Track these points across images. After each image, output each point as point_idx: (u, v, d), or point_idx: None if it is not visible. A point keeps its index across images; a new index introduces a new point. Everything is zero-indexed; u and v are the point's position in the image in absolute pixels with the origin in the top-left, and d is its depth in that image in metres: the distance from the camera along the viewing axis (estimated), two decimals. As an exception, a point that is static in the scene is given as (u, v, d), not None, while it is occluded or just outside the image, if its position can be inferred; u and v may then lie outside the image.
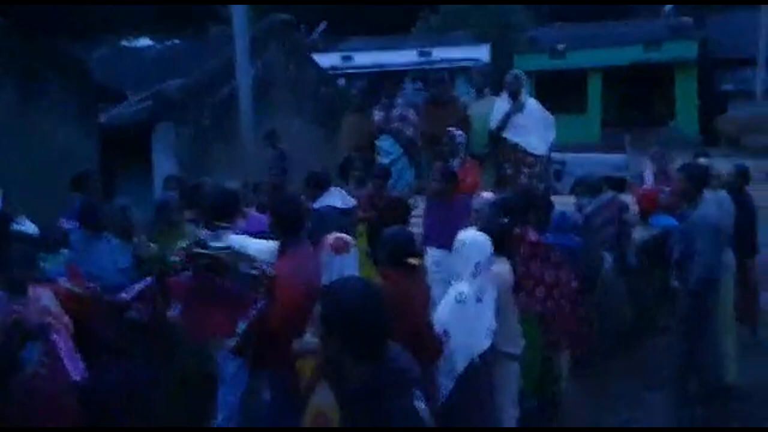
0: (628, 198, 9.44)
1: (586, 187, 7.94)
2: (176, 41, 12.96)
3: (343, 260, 4.49)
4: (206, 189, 6.57)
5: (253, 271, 4.46)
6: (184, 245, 4.95)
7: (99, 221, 5.75)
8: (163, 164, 10.27)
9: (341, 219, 6.48)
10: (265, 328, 4.51)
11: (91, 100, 9.18)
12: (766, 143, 24.78)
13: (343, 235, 4.69)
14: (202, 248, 4.57)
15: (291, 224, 4.64)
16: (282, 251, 4.61)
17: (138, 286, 5.22)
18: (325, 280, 4.44)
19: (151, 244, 5.75)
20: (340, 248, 4.49)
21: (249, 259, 4.52)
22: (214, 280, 4.48)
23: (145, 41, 13.25)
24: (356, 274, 4.48)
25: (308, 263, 4.61)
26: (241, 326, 4.42)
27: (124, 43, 13.28)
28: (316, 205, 6.63)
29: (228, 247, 4.59)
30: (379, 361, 2.66)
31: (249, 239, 4.92)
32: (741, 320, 7.59)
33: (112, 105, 10.49)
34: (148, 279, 5.26)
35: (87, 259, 5.49)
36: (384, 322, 2.69)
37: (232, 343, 4.42)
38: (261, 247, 4.73)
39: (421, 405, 2.68)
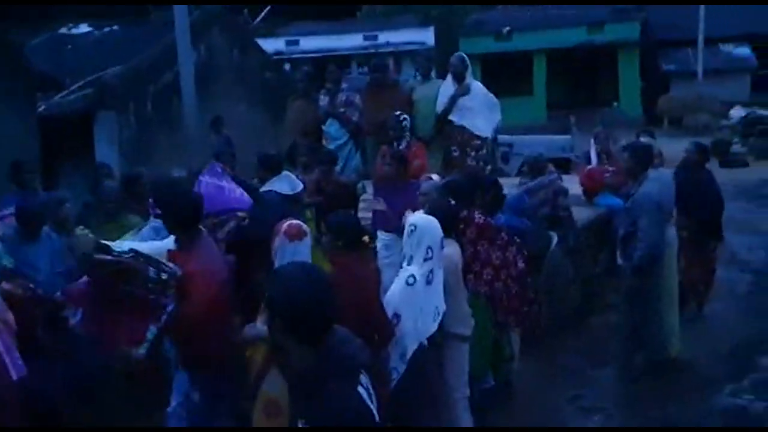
0: (573, 178, 9.59)
1: (530, 167, 8.03)
2: (115, 27, 12.68)
3: (296, 247, 4.44)
4: (144, 180, 6.43)
5: (163, 275, 4.26)
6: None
7: (36, 223, 5.48)
8: (106, 153, 10.05)
9: (284, 205, 6.41)
10: (181, 330, 4.38)
11: (29, 88, 8.92)
12: (708, 122, 25.34)
13: (298, 221, 4.64)
14: (106, 254, 4.33)
15: (186, 219, 4.50)
16: (183, 248, 4.46)
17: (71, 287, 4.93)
18: (277, 266, 4.40)
19: (90, 235, 5.55)
20: (294, 235, 4.44)
21: (157, 262, 4.34)
22: (118, 286, 4.27)
23: (83, 28, 12.93)
24: (308, 260, 4.45)
25: (212, 256, 4.51)
26: (153, 331, 4.26)
27: (63, 30, 12.94)
28: (262, 189, 6.57)
29: (132, 251, 4.37)
30: (322, 346, 2.65)
31: (140, 242, 4.78)
32: (693, 296, 7.83)
33: (51, 94, 10.21)
34: (84, 278, 4.93)
35: (20, 259, 5.22)
36: (327, 307, 2.67)
37: (142, 350, 4.25)
38: (152, 247, 4.58)
39: (365, 392, 2.67)
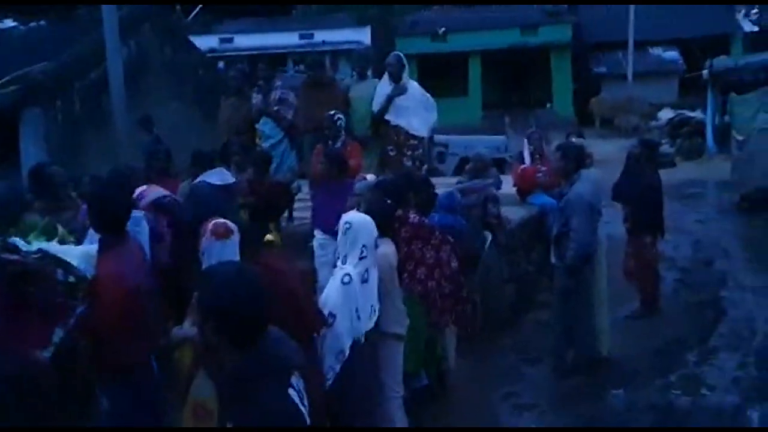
0: (507, 178, 9.69)
1: (473, 166, 8.07)
2: (42, 23, 12.32)
3: (224, 246, 4.37)
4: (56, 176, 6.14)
5: (71, 278, 4.13)
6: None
7: None
8: (33, 152, 9.74)
9: (216, 194, 6.30)
10: (91, 334, 4.21)
11: (-51, 84, 8.59)
12: (637, 123, 25.99)
13: (224, 220, 4.57)
14: (12, 253, 4.12)
15: (110, 219, 4.35)
16: (102, 250, 4.30)
17: None
18: (205, 265, 4.32)
19: None
20: (220, 234, 4.37)
21: (66, 264, 4.17)
22: (24, 288, 4.07)
23: (8, 23, 12.53)
24: (236, 260, 4.38)
25: (131, 260, 4.37)
26: (59, 334, 4.10)
27: (-14, 24, 12.56)
28: (194, 182, 6.48)
29: (39, 252, 4.19)
30: (254, 348, 2.61)
31: (72, 247, 4.60)
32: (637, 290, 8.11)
33: (-27, 90, 9.87)
34: None
35: None
36: (259, 308, 2.64)
37: (47, 354, 4.07)
38: (87, 251, 4.45)
39: (296, 394, 2.63)
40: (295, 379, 2.69)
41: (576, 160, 6.64)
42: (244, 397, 2.58)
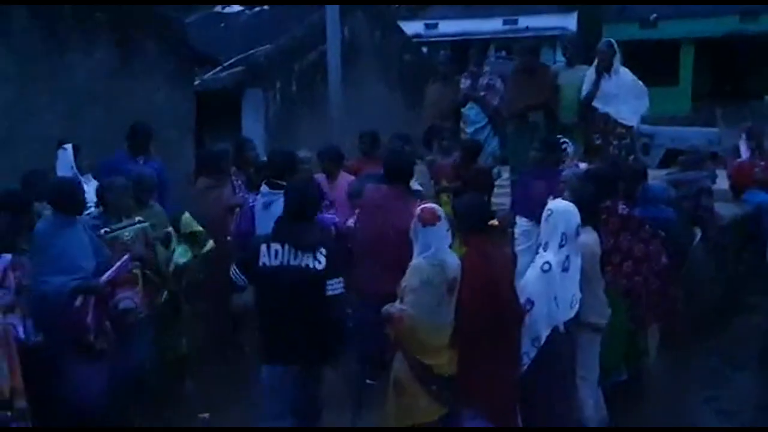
0: (721, 172, 9.20)
1: (686, 160, 7.79)
2: (265, 7, 13.08)
3: (430, 231, 4.48)
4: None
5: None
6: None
7: (78, 203, 4.97)
8: (252, 129, 10.41)
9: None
10: None
11: (188, 64, 9.31)
12: None
13: (433, 205, 4.72)
14: None
15: (394, 171, 5.49)
16: None
17: (111, 270, 4.82)
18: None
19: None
20: (427, 219, 4.51)
21: None
22: None
23: (235, 7, 13.42)
24: (447, 244, 4.53)
25: (381, 209, 5.42)
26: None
27: (217, 8, 13.48)
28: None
29: None
30: None
31: None
32: None
33: (206, 69, 10.65)
34: (125, 257, 4.93)
35: (63, 247, 4.79)
36: None
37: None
38: None
39: None
40: None
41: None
42: None
